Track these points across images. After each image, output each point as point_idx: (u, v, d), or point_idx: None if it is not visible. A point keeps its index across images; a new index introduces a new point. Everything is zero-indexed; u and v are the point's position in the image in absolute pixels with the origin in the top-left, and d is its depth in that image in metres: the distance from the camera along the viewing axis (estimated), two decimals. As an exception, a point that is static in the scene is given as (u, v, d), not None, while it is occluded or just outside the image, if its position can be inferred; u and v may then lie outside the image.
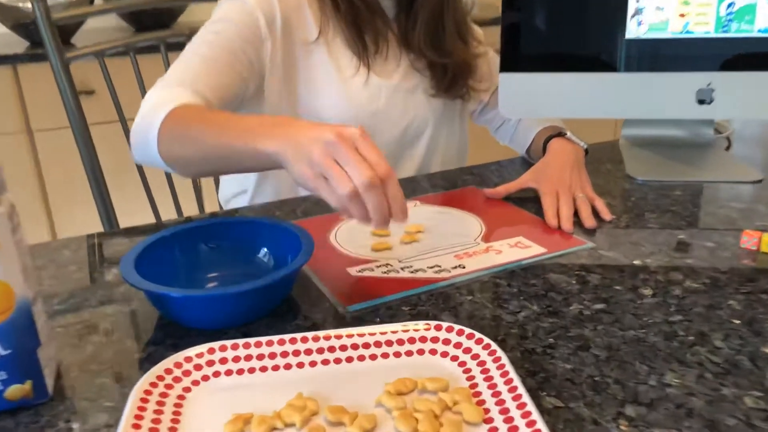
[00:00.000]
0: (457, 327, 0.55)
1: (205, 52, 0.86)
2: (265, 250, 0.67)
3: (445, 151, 1.09)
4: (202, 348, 0.53)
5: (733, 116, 1.06)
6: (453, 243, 0.75)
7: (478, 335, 0.54)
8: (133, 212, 1.30)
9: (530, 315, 0.61)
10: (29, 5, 1.96)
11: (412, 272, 0.68)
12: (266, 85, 0.93)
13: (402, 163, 1.05)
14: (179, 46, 1.14)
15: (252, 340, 0.54)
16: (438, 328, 0.55)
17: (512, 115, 1.03)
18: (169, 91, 0.80)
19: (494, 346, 0.52)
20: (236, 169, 0.80)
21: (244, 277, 0.65)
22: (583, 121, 1.01)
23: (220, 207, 1.15)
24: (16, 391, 0.48)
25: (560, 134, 0.96)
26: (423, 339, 0.55)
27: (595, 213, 0.83)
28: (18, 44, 1.84)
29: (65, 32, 1.84)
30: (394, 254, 0.73)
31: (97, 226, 1.06)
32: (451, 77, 1.02)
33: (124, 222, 1.29)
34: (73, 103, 1.11)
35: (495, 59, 1.10)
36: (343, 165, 0.55)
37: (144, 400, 0.47)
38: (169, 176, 1.23)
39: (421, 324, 0.56)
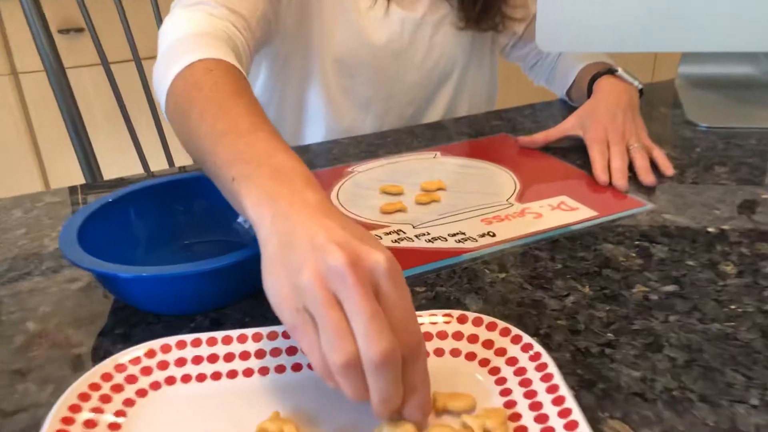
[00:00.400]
0: (487, 319, 0.42)
1: None
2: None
3: (473, 94, 0.94)
4: (154, 344, 0.41)
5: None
6: (481, 203, 0.62)
7: (515, 331, 0.41)
8: (121, 162, 1.18)
9: (581, 300, 0.47)
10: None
11: (429, 241, 0.55)
12: (281, 20, 0.79)
13: (425, 110, 0.91)
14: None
15: (219, 335, 0.42)
16: (462, 320, 0.42)
17: (551, 48, 0.87)
18: (189, 18, 0.62)
19: (537, 347, 0.39)
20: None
21: (219, 247, 0.53)
22: (638, 56, 0.85)
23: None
24: None
25: (609, 71, 0.80)
26: (442, 335, 0.42)
27: (654, 166, 0.68)
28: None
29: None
30: (408, 217, 0.59)
31: (77, 178, 0.94)
32: (482, 3, 0.86)
33: (110, 173, 1.16)
34: (46, 41, 0.97)
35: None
36: (347, 313, 0.32)
37: (68, 420, 0.35)
38: (160, 124, 1.10)
39: (439, 314, 0.43)
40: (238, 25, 0.66)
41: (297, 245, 0.34)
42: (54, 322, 0.47)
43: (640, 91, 0.80)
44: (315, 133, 0.88)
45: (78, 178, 0.99)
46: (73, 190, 0.70)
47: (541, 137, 0.74)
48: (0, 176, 1.65)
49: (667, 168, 0.67)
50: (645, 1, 0.77)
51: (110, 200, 0.51)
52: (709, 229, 0.56)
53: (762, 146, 0.74)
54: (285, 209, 0.36)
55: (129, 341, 0.44)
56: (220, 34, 0.61)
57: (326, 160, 0.73)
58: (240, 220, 0.54)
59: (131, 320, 0.46)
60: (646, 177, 0.65)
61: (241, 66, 0.58)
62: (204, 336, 0.42)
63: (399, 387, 0.32)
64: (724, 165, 0.69)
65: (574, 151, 0.72)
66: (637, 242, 0.55)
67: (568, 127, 0.74)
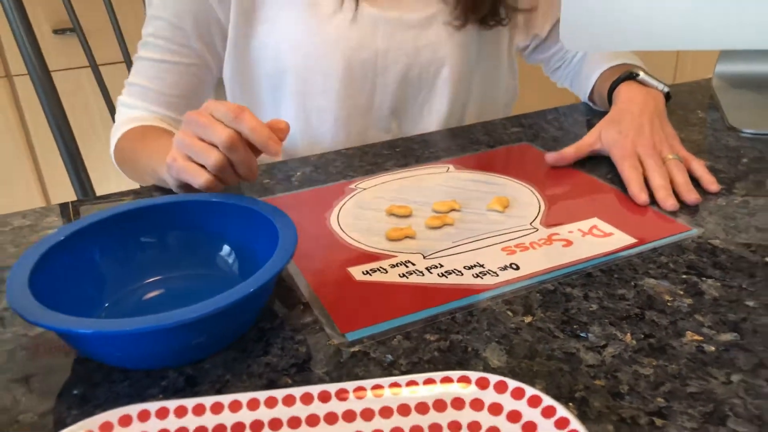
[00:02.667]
0: (512, 384, 0.34)
1: (148, 55, 0.75)
2: (227, 247, 0.47)
3: (484, 100, 0.85)
4: (111, 416, 0.34)
5: None
6: (501, 228, 0.54)
7: (547, 400, 0.33)
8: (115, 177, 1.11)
9: (622, 351, 0.40)
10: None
11: (442, 275, 0.48)
12: (229, 41, 0.75)
13: (417, 123, 0.82)
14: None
15: (190, 403, 0.34)
16: (482, 384, 0.35)
17: (577, 47, 0.79)
18: (127, 109, 0.76)
19: (574, 422, 0.32)
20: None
21: (197, 282, 0.46)
22: (676, 54, 0.76)
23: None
24: None
25: (630, 76, 0.72)
26: (458, 404, 0.35)
27: (694, 182, 0.60)
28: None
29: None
30: (418, 245, 0.52)
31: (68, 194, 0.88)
32: None
33: (108, 186, 1.10)
34: (27, 40, 0.90)
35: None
36: (203, 136, 0.49)
37: None
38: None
39: (455, 377, 0.35)
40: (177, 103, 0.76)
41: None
42: (1, 379, 0.40)
43: (667, 95, 0.72)
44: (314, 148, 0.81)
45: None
46: (48, 210, 0.63)
47: (572, 153, 0.66)
48: (-3, 183, 1.59)
49: (711, 183, 0.59)
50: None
51: (71, 232, 0.44)
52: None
53: (816, 156, 0.66)
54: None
55: (87, 404, 0.37)
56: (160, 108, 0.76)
57: (326, 175, 0.66)
58: (223, 253, 0.47)
59: (94, 378, 0.40)
60: (689, 195, 0.57)
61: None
62: (171, 404, 0.35)
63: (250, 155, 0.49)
64: (776, 179, 0.61)
65: (603, 163, 0.65)
66: (684, 276, 0.47)
67: (591, 141, 0.66)
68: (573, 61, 0.87)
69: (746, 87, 0.83)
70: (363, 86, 0.76)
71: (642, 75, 0.72)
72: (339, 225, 0.56)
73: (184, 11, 0.72)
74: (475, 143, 0.73)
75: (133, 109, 0.76)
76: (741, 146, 0.69)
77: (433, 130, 0.81)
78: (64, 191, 1.60)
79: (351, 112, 0.77)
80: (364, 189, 0.62)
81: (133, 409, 0.34)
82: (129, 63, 0.96)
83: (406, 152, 0.72)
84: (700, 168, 0.61)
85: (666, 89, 0.73)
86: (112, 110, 0.97)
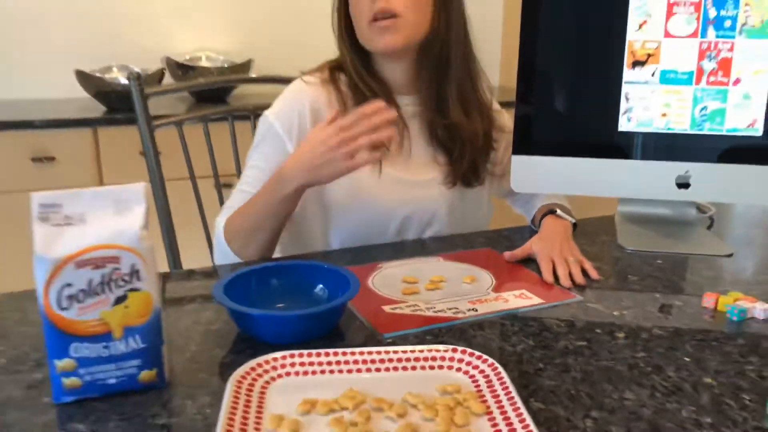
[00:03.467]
0: (469, 350, 0.72)
1: (245, 188, 1.12)
2: (321, 286, 0.86)
3: (465, 228, 1.23)
4: (277, 354, 0.71)
5: (707, 200, 1.23)
6: (469, 291, 0.93)
7: (485, 357, 0.71)
8: (193, 257, 1.50)
9: (526, 347, 0.78)
10: (113, 76, 2.25)
11: (435, 312, 0.86)
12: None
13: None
14: (243, 117, 1.38)
15: (314, 351, 0.72)
16: (455, 350, 0.73)
17: (522, 190, 1.22)
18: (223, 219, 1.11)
19: (497, 364, 0.69)
20: (278, 221, 1.05)
21: (304, 306, 0.84)
22: (592, 197, 1.19)
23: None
24: (146, 375, 0.67)
25: (551, 212, 1.15)
26: (443, 358, 0.72)
27: (586, 275, 1.00)
28: (95, 109, 2.10)
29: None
30: (421, 298, 0.91)
31: (163, 267, 1.26)
32: (469, 165, 1.18)
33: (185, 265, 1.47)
34: (155, 161, 1.33)
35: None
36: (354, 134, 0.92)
37: (237, 389, 0.65)
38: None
39: (441, 347, 0.73)
40: None
41: (307, 161, 0.96)
42: (206, 345, 0.77)
43: (574, 225, 1.14)
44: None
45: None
46: (175, 274, 1.02)
47: (516, 254, 1.06)
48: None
49: (594, 273, 1.00)
50: (587, 162, 1.13)
51: (242, 272, 0.82)
52: (614, 313, 0.87)
53: (666, 264, 1.06)
54: (289, 174, 0.99)
55: (254, 356, 0.74)
56: None
57: (361, 259, 1.06)
58: (317, 289, 0.85)
59: (253, 346, 0.77)
60: (578, 279, 0.97)
61: None
62: (305, 351, 0.72)
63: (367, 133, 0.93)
64: (636, 275, 1.01)
65: (533, 263, 1.05)
66: (566, 318, 0.86)
67: (527, 248, 1.06)
68: (524, 198, 1.30)
69: (636, 221, 1.26)
70: (380, 221, 1.16)
71: (559, 212, 1.15)
72: (374, 286, 0.94)
73: (274, 162, 1.11)
74: (457, 246, 1.14)
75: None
76: (622, 257, 1.10)
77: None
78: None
79: (369, 234, 1.17)
80: (388, 268, 1.02)
81: (287, 353, 0.71)
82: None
83: (412, 251, 1.12)
84: (588, 266, 1.01)
85: (573, 221, 1.15)
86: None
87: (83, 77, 2.11)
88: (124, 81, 2.08)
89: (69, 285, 0.62)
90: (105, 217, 0.65)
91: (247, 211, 1.06)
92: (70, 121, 1.91)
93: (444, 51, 1.14)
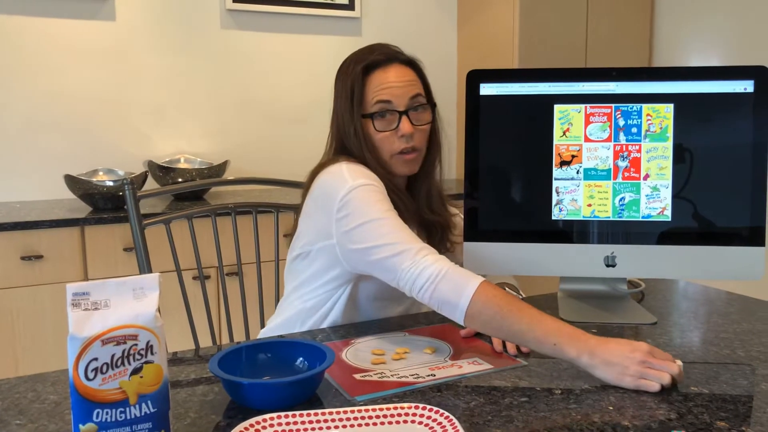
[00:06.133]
0: (429, 407, 0.86)
1: (389, 208, 1.21)
2: (301, 359, 0.99)
3: None
4: (266, 416, 0.84)
5: (633, 276, 1.42)
6: (429, 360, 1.08)
7: (442, 411, 0.85)
8: (176, 341, 1.61)
9: (477, 403, 0.92)
10: (100, 179, 2.42)
11: (399, 378, 1.00)
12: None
13: (393, 308, 1.39)
14: (226, 214, 1.55)
15: (297, 412, 0.85)
16: (416, 407, 0.86)
17: (475, 272, 1.40)
18: (435, 257, 1.14)
19: (452, 417, 0.83)
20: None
21: (288, 376, 0.97)
22: (538, 277, 1.37)
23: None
24: (156, 436, 0.79)
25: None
26: (407, 414, 0.86)
27: (531, 343, 1.16)
28: (81, 209, 2.24)
29: (119, 200, 2.25)
30: (387, 367, 1.05)
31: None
32: (440, 235, 1.40)
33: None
34: (144, 256, 1.47)
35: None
36: (654, 366, 0.97)
37: (234, 443, 0.77)
38: (209, 316, 1.55)
39: (405, 405, 0.87)
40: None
41: (616, 362, 0.97)
42: (202, 412, 0.89)
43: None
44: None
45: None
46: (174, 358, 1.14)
47: (471, 330, 1.22)
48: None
49: (539, 344, 1.15)
50: (527, 247, 1.31)
51: (233, 349, 0.96)
52: (552, 374, 1.02)
53: (599, 333, 1.22)
54: (587, 347, 1.00)
55: (245, 418, 0.87)
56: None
57: (337, 336, 1.20)
58: (297, 362, 0.99)
59: (243, 411, 0.89)
60: (524, 349, 1.13)
61: None
62: (290, 413, 0.85)
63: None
64: (574, 343, 1.17)
65: (486, 336, 1.21)
66: (512, 379, 1.00)
67: None
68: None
69: (575, 296, 1.43)
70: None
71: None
72: (347, 358, 1.08)
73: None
74: (419, 323, 1.29)
75: None
76: (561, 327, 1.26)
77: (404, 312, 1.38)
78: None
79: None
80: (359, 343, 1.16)
81: (274, 414, 0.84)
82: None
83: (381, 328, 1.26)
84: (536, 337, 1.17)
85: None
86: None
87: (71, 180, 2.26)
88: (109, 183, 2.24)
89: (95, 359, 0.76)
90: (126, 302, 0.79)
91: (510, 322, 1.06)
92: (59, 221, 2.05)
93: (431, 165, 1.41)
